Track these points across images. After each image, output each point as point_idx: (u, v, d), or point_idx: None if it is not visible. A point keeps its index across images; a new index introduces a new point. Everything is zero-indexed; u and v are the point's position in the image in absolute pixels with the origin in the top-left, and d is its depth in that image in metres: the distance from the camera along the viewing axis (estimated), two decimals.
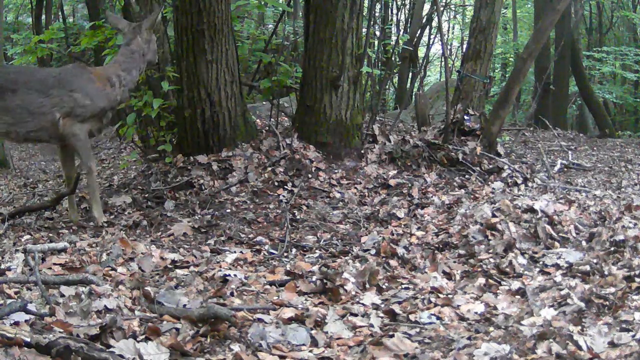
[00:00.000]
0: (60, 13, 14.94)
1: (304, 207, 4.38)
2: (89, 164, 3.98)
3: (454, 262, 3.11)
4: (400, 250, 3.20)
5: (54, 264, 2.93)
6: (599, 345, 1.93)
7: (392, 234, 3.65)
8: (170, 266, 3.09)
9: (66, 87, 3.83)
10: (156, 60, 4.31)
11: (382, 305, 2.59)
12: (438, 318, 2.41)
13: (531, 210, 3.40)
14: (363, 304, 2.60)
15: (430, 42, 16.14)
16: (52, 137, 3.92)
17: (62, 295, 2.40)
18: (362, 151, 5.26)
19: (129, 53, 4.05)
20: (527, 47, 5.59)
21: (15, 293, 2.44)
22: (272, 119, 5.59)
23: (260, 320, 2.33)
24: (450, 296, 2.63)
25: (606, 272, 2.54)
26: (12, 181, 6.79)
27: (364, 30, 5.75)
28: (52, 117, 3.80)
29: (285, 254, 3.49)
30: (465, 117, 5.78)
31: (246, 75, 7.38)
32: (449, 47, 18.17)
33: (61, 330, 2.02)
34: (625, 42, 15.40)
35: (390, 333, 2.21)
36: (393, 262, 3.11)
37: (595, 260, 2.70)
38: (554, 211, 3.37)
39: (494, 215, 3.41)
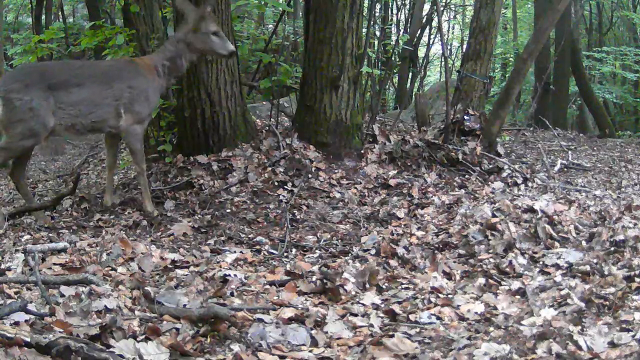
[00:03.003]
0: (60, 13, 14.93)
1: (304, 207, 4.38)
2: (141, 166, 4.15)
3: (454, 262, 3.11)
4: (400, 250, 3.20)
5: (54, 264, 2.93)
6: (599, 345, 1.93)
7: (392, 234, 3.65)
8: (170, 266, 3.09)
9: (125, 82, 4.01)
10: (212, 50, 4.22)
11: (382, 305, 2.59)
12: (438, 318, 2.41)
13: (531, 210, 3.40)
14: (363, 304, 2.60)
15: (430, 42, 16.14)
16: (111, 128, 4.05)
17: (62, 295, 2.41)
18: (362, 151, 5.26)
19: (174, 41, 4.18)
20: (527, 47, 5.59)
21: (15, 293, 2.44)
22: (272, 119, 5.59)
23: (260, 320, 2.33)
24: (450, 296, 2.63)
25: (606, 272, 2.54)
26: (12, 181, 6.77)
27: (364, 30, 5.75)
28: (114, 109, 3.97)
29: (285, 254, 3.49)
30: (465, 117, 5.78)
31: (246, 75, 7.38)
32: (449, 47, 18.16)
33: (61, 330, 2.02)
34: (625, 42, 15.38)
35: (390, 333, 2.21)
36: (393, 262, 3.11)
37: (595, 260, 2.70)
38: (554, 211, 3.37)
39: (494, 215, 3.42)
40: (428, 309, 2.51)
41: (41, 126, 3.77)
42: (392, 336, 2.14)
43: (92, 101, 3.92)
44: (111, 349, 1.91)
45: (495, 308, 2.46)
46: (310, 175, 4.81)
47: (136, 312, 2.33)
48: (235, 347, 2.09)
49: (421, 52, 16.12)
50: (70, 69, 4.06)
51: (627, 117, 15.89)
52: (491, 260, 2.99)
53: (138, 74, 4.07)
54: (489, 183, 4.92)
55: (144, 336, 2.09)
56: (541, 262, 2.90)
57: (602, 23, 15.64)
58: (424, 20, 14.22)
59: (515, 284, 2.66)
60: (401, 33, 13.36)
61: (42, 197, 5.22)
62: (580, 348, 1.91)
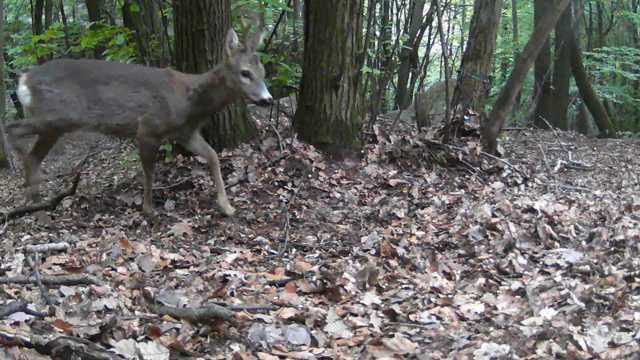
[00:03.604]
0: (60, 13, 14.93)
1: (304, 207, 4.38)
2: (149, 173, 4.15)
3: (454, 262, 3.11)
4: (400, 250, 3.20)
5: (54, 264, 2.93)
6: (599, 345, 1.93)
7: (392, 234, 3.65)
8: (170, 266, 3.09)
9: (152, 91, 3.93)
10: (241, 91, 3.84)
11: (382, 305, 2.59)
12: (438, 318, 2.41)
13: (531, 210, 3.40)
14: (363, 304, 2.60)
15: (430, 42, 16.14)
16: (132, 134, 4.05)
17: (62, 295, 2.41)
18: (362, 151, 5.26)
19: (213, 72, 4.01)
20: (527, 47, 5.59)
21: (15, 293, 2.44)
22: (272, 119, 5.59)
23: (260, 320, 2.33)
24: (450, 296, 2.63)
25: (606, 272, 2.53)
26: (12, 181, 6.78)
27: (364, 30, 5.75)
28: (136, 115, 3.91)
29: (285, 254, 3.49)
30: (465, 117, 5.78)
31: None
32: (449, 47, 18.17)
33: (61, 330, 2.02)
34: (625, 42, 15.39)
35: (390, 333, 2.21)
36: (393, 262, 3.11)
37: (595, 260, 2.70)
38: (554, 211, 3.37)
39: (494, 215, 3.42)
40: (428, 309, 2.51)
41: (69, 119, 3.84)
42: (392, 336, 2.15)
43: (116, 102, 3.90)
44: (111, 349, 1.91)
45: (495, 308, 2.46)
46: (310, 175, 4.81)
47: (136, 312, 2.33)
48: (235, 347, 2.09)
49: (421, 52, 16.13)
50: (102, 67, 4.08)
51: (627, 117, 15.88)
52: (491, 260, 2.99)
53: (167, 87, 3.96)
54: (489, 183, 4.92)
55: (144, 336, 2.09)
56: (541, 262, 2.90)
57: (602, 23, 15.64)
58: (424, 20, 14.23)
59: (515, 284, 2.66)
60: (401, 33, 13.37)
61: (42, 197, 5.22)
62: (580, 348, 1.91)
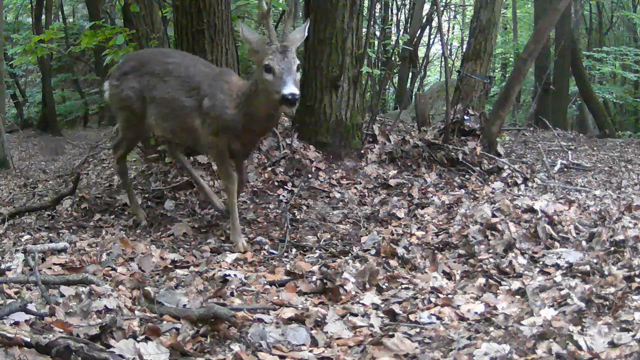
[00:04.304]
0: (60, 13, 14.95)
1: (304, 207, 4.38)
2: (227, 185, 3.59)
3: (454, 262, 3.11)
4: (400, 250, 3.19)
5: (54, 264, 2.93)
6: (599, 345, 1.93)
7: (392, 234, 3.65)
8: (170, 266, 3.10)
9: (202, 92, 3.48)
10: (264, 89, 3.18)
11: (382, 305, 2.59)
12: (438, 318, 2.41)
13: (531, 210, 3.40)
14: (363, 304, 2.60)
15: (430, 42, 16.15)
16: (195, 143, 3.62)
17: (62, 295, 2.40)
18: (362, 151, 5.26)
19: (254, 81, 3.34)
20: (527, 47, 5.59)
21: (15, 293, 2.44)
22: None
23: (260, 320, 2.33)
24: (450, 296, 2.63)
25: (606, 272, 2.54)
26: (12, 181, 6.78)
27: (364, 30, 5.75)
28: (191, 120, 3.50)
29: (285, 254, 3.49)
30: (465, 117, 5.77)
31: (246, 76, 7.37)
32: (449, 47, 18.17)
33: (61, 330, 2.02)
34: (625, 42, 15.39)
35: (390, 333, 2.21)
36: (393, 262, 3.11)
37: (595, 260, 2.70)
38: (554, 211, 3.37)
39: (494, 215, 3.41)
40: (428, 309, 2.51)
41: (137, 116, 3.63)
42: (392, 336, 2.15)
43: (173, 99, 3.55)
44: (111, 349, 1.91)
45: (495, 308, 2.46)
46: (310, 175, 4.81)
47: (136, 312, 2.33)
48: (235, 347, 2.09)
49: (421, 52, 16.14)
50: (163, 60, 3.68)
51: (627, 117, 15.88)
52: (491, 260, 2.99)
53: (221, 90, 3.45)
54: (489, 183, 4.92)
55: (144, 336, 2.09)
56: (541, 262, 2.90)
57: (602, 23, 15.64)
58: (424, 20, 14.24)
59: (515, 284, 2.66)
60: (401, 33, 13.37)
61: (42, 197, 5.22)
62: (580, 348, 1.91)
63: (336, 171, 4.98)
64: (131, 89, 3.67)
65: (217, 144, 3.49)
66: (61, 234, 3.62)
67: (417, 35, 14.02)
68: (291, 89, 2.96)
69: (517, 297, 2.55)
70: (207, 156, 4.21)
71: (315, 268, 3.06)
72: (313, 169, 4.89)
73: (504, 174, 5.16)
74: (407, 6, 15.40)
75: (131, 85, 3.68)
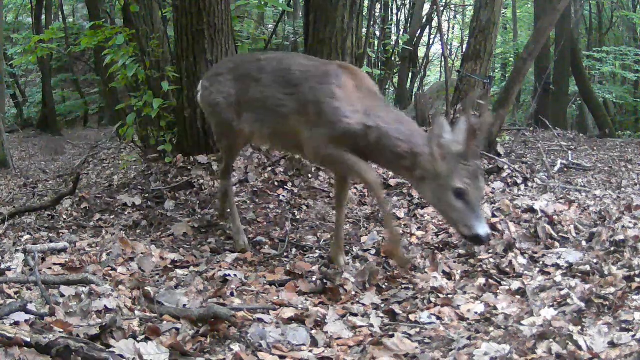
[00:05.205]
0: (60, 13, 14.94)
1: (304, 207, 4.37)
2: (369, 183, 2.96)
3: (454, 262, 3.11)
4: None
5: (54, 264, 2.93)
6: (599, 345, 1.93)
7: None
8: (170, 266, 3.09)
9: (306, 92, 2.96)
10: (450, 219, 2.65)
11: (382, 305, 2.59)
12: (438, 318, 2.42)
13: (531, 210, 3.40)
14: (363, 304, 2.60)
15: (430, 42, 16.15)
16: (298, 150, 3.15)
17: (62, 295, 2.40)
18: None
19: (413, 144, 2.74)
20: (527, 47, 5.59)
21: (15, 293, 2.44)
22: None
23: (260, 320, 2.33)
24: (450, 296, 2.63)
25: (606, 272, 2.54)
26: (12, 181, 6.79)
27: (364, 30, 5.75)
28: (293, 123, 3.00)
29: (285, 254, 3.49)
30: None
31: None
32: (449, 47, 18.16)
33: (61, 330, 2.02)
34: (625, 42, 15.39)
35: (390, 333, 2.21)
36: (393, 262, 3.11)
37: (595, 260, 2.70)
38: (554, 211, 3.37)
39: (494, 215, 3.42)
40: (428, 309, 2.51)
41: (227, 124, 3.25)
42: (392, 336, 2.15)
43: (264, 103, 3.11)
44: (111, 349, 1.91)
45: (495, 308, 2.46)
46: (310, 175, 4.81)
47: (136, 312, 2.33)
48: (235, 347, 2.09)
49: (421, 52, 16.13)
50: (256, 60, 3.29)
51: (627, 117, 15.88)
52: (491, 260, 2.99)
53: (331, 92, 2.89)
54: (489, 183, 4.92)
55: (144, 336, 2.09)
56: (541, 262, 2.90)
57: (602, 23, 15.65)
58: (424, 20, 14.24)
59: (515, 284, 2.66)
60: (401, 33, 13.36)
61: (42, 197, 5.23)
62: (580, 348, 1.91)
63: None
64: (221, 93, 3.28)
65: (330, 146, 2.94)
66: (61, 234, 3.62)
67: (417, 35, 14.02)
68: (485, 228, 2.52)
69: (517, 297, 2.55)
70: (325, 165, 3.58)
71: (315, 268, 3.06)
72: (313, 168, 4.89)
73: (504, 174, 5.16)
74: (407, 6, 15.38)
75: (224, 86, 3.28)
